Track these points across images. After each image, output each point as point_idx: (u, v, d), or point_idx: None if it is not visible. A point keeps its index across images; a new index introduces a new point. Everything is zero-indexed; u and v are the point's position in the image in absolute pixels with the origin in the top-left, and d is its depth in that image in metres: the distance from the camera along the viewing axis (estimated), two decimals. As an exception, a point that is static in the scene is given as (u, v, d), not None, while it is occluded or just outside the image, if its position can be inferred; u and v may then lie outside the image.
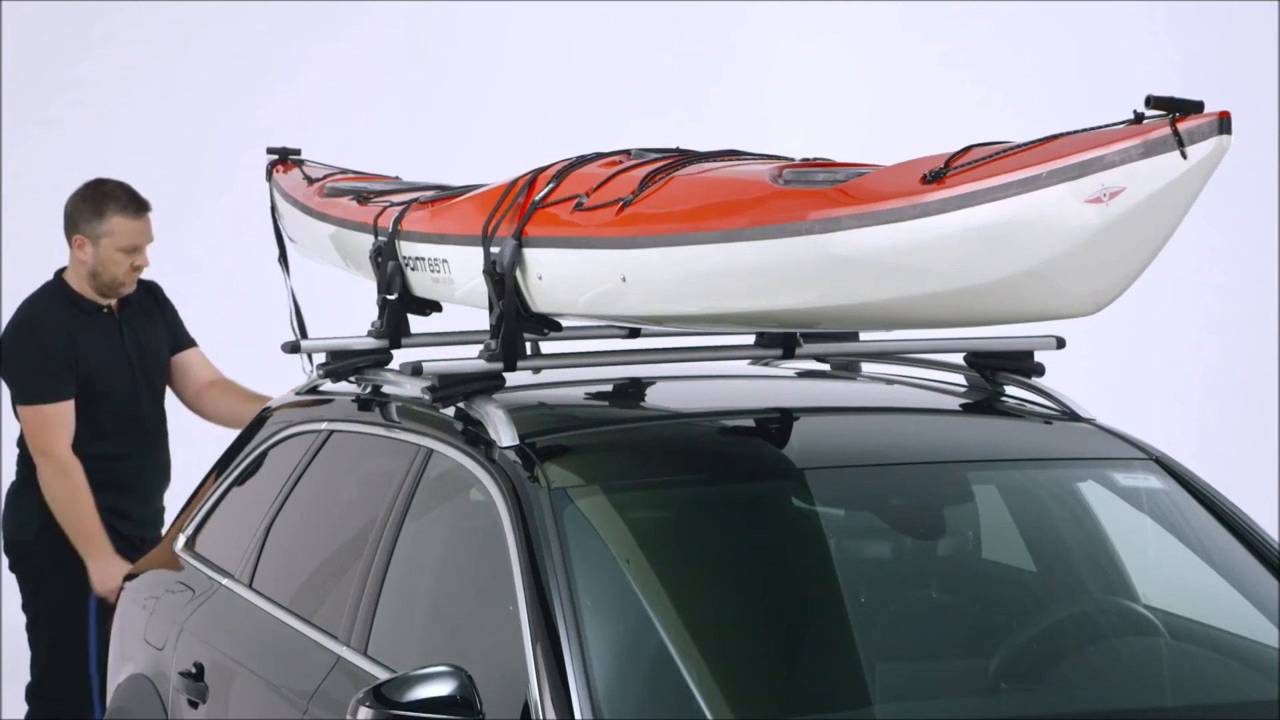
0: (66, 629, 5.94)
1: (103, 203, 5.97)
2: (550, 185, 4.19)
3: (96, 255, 5.95)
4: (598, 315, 4.16)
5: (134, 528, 5.99)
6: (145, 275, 6.15)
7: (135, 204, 5.99)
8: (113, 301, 6.03)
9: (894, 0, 10.50)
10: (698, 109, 10.06)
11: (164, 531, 5.96)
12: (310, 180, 5.53)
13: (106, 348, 5.98)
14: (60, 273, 6.08)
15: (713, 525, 4.08)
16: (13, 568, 6.06)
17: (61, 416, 5.89)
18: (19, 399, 5.97)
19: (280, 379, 5.81)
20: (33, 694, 6.00)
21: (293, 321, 5.52)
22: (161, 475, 6.11)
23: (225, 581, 4.94)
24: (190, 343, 6.23)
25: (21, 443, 6.08)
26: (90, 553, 5.86)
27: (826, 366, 4.91)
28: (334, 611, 4.32)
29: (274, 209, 5.71)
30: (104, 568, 5.84)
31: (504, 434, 4.03)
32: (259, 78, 10.15)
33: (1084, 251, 3.22)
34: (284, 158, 5.79)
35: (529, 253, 4.11)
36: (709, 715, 3.59)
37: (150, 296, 6.18)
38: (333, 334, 4.87)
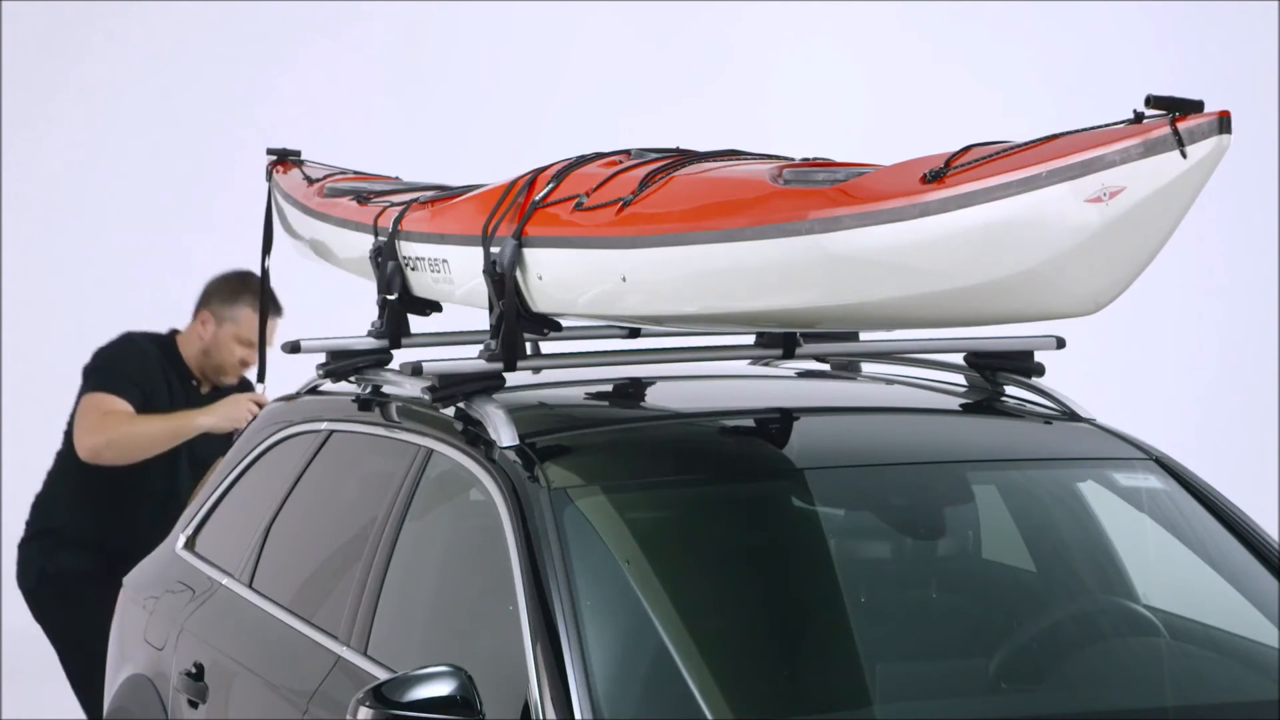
0: (90, 661, 5.93)
1: (241, 290, 6.05)
2: (550, 185, 4.19)
3: (215, 336, 6.02)
4: (598, 315, 4.16)
5: (123, 560, 5.99)
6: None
7: (274, 306, 5.99)
8: (207, 387, 6.06)
9: (894, 0, 10.51)
10: (698, 109, 10.07)
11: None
12: (310, 181, 5.52)
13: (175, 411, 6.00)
14: (174, 333, 6.09)
15: (713, 525, 4.08)
16: (31, 608, 6.08)
17: (119, 408, 5.91)
18: (94, 385, 5.97)
19: (280, 378, 5.83)
20: None
21: (260, 315, 5.65)
22: (163, 517, 6.11)
23: (225, 581, 4.94)
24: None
25: (44, 487, 6.08)
26: (197, 426, 5.91)
27: (826, 366, 4.91)
28: (334, 611, 4.32)
29: (270, 210, 5.72)
30: (219, 416, 5.90)
31: (504, 434, 4.03)
32: (258, 78, 10.17)
33: (1084, 251, 3.22)
34: (284, 158, 5.80)
35: (529, 253, 4.11)
36: (709, 715, 3.59)
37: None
38: (333, 334, 4.87)
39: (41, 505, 6.10)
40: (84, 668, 5.95)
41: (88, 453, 5.90)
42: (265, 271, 5.69)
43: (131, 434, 5.88)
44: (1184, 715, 3.74)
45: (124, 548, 5.94)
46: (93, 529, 5.96)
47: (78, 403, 6.02)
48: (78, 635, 5.96)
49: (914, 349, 4.62)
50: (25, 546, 6.07)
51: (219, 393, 6.10)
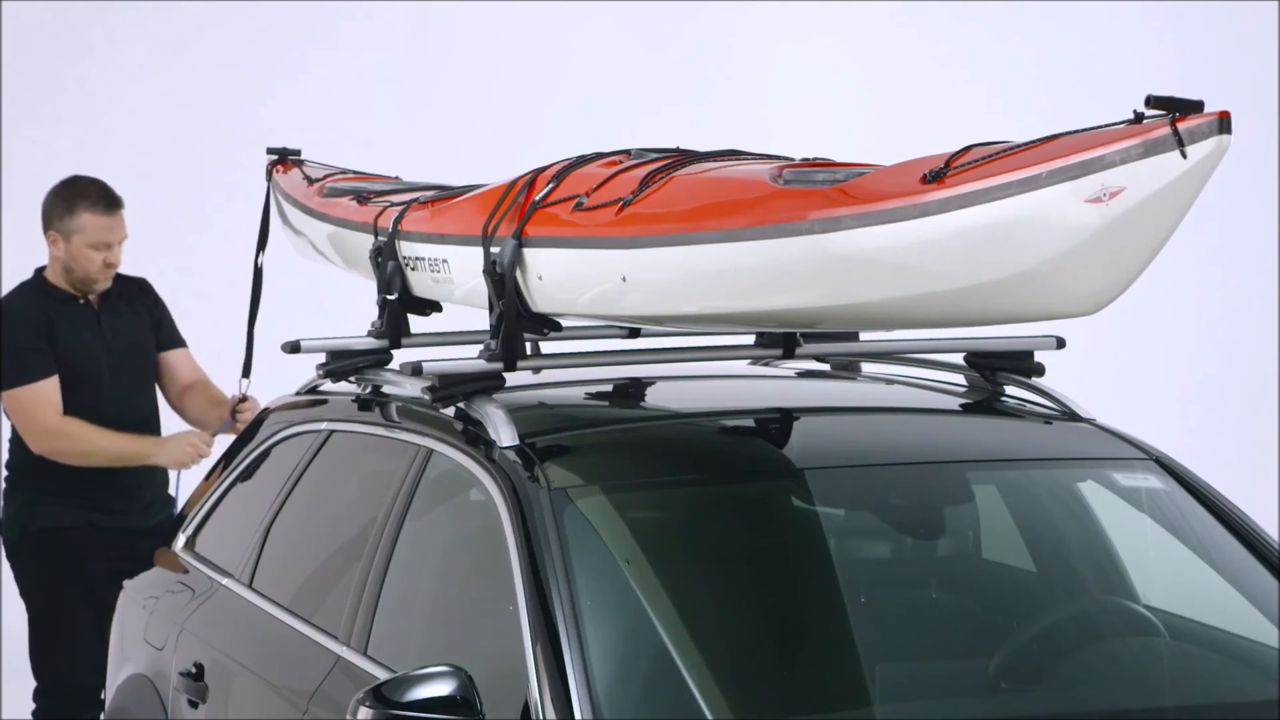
0: (52, 625, 5.98)
1: (74, 200, 6.02)
2: (550, 185, 4.19)
3: (69, 251, 6.00)
4: (598, 315, 4.16)
5: (118, 520, 5.99)
6: (140, 273, 6.18)
7: (106, 201, 6.01)
8: (92, 295, 6.06)
9: (894, 0, 10.51)
10: (698, 109, 10.06)
11: (156, 521, 6.02)
12: (310, 180, 5.53)
13: (81, 337, 6.00)
14: (40, 270, 6.11)
15: (713, 525, 4.08)
16: (8, 558, 6.12)
17: (46, 393, 5.93)
18: (12, 379, 5.98)
19: (280, 379, 5.82)
20: (36, 688, 6.05)
21: (250, 311, 5.69)
22: (144, 471, 6.11)
23: (225, 581, 4.94)
24: (177, 343, 6.24)
25: (10, 446, 6.11)
26: (145, 456, 5.94)
27: (826, 366, 4.91)
28: (334, 611, 4.32)
29: (268, 208, 5.73)
30: (166, 454, 5.92)
31: (504, 434, 4.03)
32: (259, 78, 10.16)
33: (1084, 251, 3.22)
34: (284, 158, 5.80)
35: (529, 253, 4.11)
36: (709, 715, 3.59)
37: (138, 292, 6.20)
38: (333, 334, 4.87)
39: (12, 462, 6.14)
40: (46, 631, 6.01)
41: (41, 450, 5.94)
42: (259, 269, 5.70)
43: (84, 451, 5.91)
44: (1184, 715, 3.74)
45: (101, 492, 5.97)
46: (68, 478, 5.97)
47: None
48: (49, 597, 6.00)
49: (914, 349, 4.63)
50: (9, 498, 6.11)
51: (108, 298, 6.07)
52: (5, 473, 6.17)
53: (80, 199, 6.00)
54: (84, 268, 5.99)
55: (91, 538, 5.95)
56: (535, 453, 4.00)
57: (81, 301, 6.04)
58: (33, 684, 6.15)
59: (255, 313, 5.76)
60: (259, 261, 5.70)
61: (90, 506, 5.97)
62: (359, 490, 4.69)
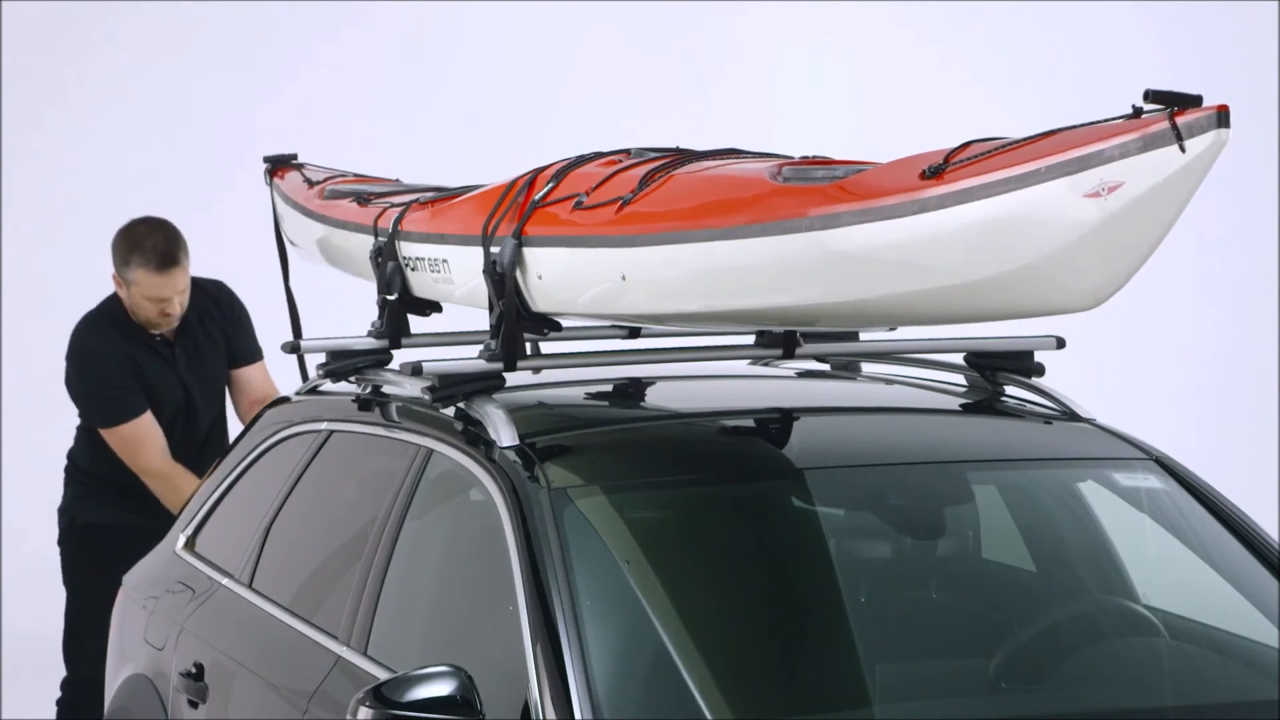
0: (85, 619, 6.02)
1: (129, 253, 5.96)
2: (550, 185, 4.19)
3: (129, 296, 5.98)
4: (598, 315, 4.16)
5: (165, 523, 6.00)
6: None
7: (159, 259, 5.91)
8: (164, 331, 6.04)
9: (894, 0, 10.51)
10: (698, 109, 10.07)
11: None
12: (310, 183, 5.53)
13: (158, 373, 6.01)
14: (116, 294, 6.09)
15: (713, 525, 4.07)
16: (57, 544, 6.18)
17: (145, 431, 5.95)
18: (99, 424, 6.02)
19: (280, 379, 5.83)
20: (64, 678, 6.12)
21: (292, 328, 5.59)
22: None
23: (225, 581, 4.94)
24: (252, 357, 6.21)
25: (76, 435, 6.13)
26: None
27: (826, 366, 4.91)
28: (334, 611, 4.32)
29: (279, 228, 5.70)
30: None
31: (504, 434, 4.03)
32: (258, 79, 10.17)
33: (1083, 246, 3.22)
34: (280, 164, 5.78)
35: (529, 252, 4.11)
36: (709, 715, 3.59)
37: (211, 305, 6.16)
38: (333, 334, 4.87)
39: (72, 451, 6.20)
40: (80, 623, 6.06)
41: (140, 473, 5.96)
42: (289, 292, 5.65)
43: (175, 499, 5.89)
44: (1184, 715, 3.74)
45: (148, 495, 5.99)
46: (116, 479, 6.00)
47: (92, 428, 6.04)
48: (85, 591, 6.06)
49: (914, 349, 4.62)
50: (65, 487, 6.19)
51: (188, 333, 6.05)
52: (66, 461, 6.19)
53: (134, 253, 5.94)
54: (144, 315, 5.99)
55: (133, 539, 5.95)
56: (535, 453, 3.99)
57: (158, 337, 6.03)
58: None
59: (298, 324, 5.69)
60: (288, 286, 5.66)
61: (134, 509, 5.99)
62: (359, 490, 4.69)
